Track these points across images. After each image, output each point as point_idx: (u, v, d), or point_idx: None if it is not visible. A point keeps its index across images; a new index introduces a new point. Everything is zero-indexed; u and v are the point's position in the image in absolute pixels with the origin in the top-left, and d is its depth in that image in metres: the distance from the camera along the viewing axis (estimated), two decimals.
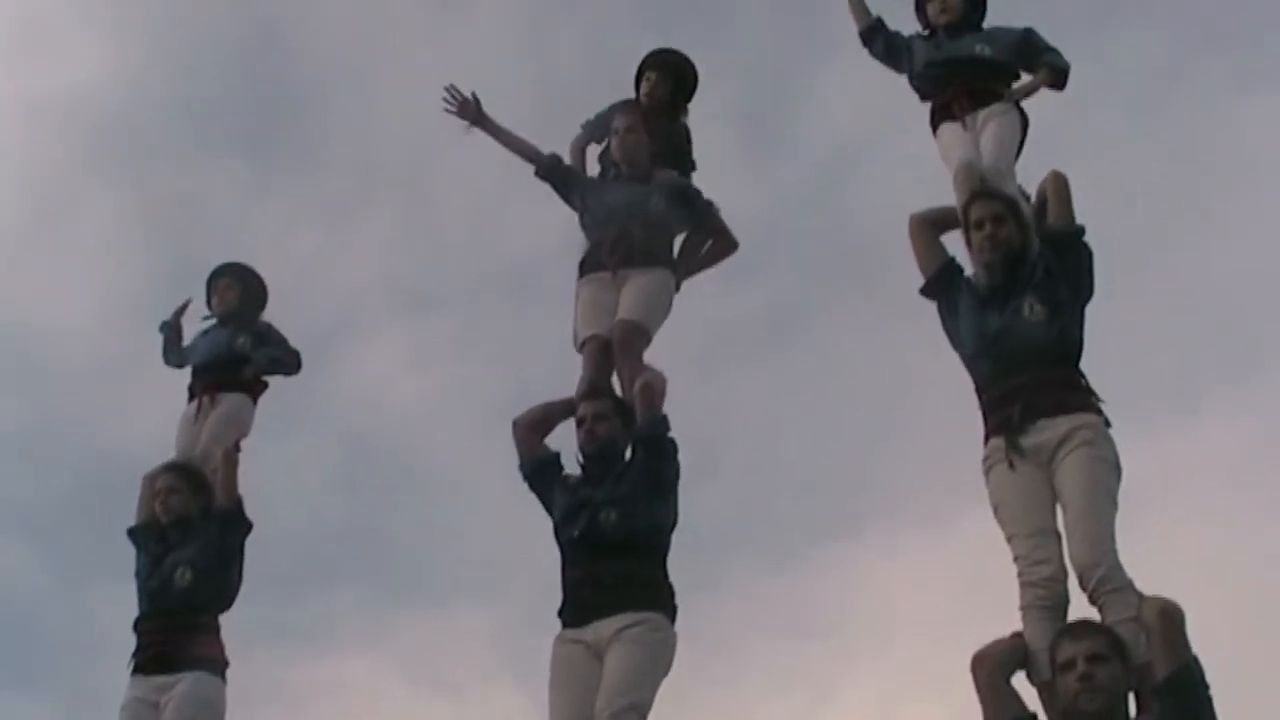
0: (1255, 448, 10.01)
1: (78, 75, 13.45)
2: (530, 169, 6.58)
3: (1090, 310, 5.20)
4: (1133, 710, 4.35)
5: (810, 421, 11.42)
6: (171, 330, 7.43)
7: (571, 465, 5.58)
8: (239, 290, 7.30)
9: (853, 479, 11.30)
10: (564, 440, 5.67)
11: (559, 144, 6.73)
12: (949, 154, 5.93)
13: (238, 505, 6.37)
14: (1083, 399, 5.03)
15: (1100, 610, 4.60)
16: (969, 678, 4.57)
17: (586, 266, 6.29)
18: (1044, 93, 6.06)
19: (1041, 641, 4.56)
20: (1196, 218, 11.17)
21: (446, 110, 6.66)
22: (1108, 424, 5.01)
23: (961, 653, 4.67)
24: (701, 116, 6.89)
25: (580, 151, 6.81)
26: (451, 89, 6.66)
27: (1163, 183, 10.93)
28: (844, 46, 6.76)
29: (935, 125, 6.13)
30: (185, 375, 7.31)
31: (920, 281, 5.44)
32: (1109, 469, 4.89)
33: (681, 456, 5.51)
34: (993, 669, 4.55)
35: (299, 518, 10.85)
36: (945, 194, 5.79)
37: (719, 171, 7.01)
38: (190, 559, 6.22)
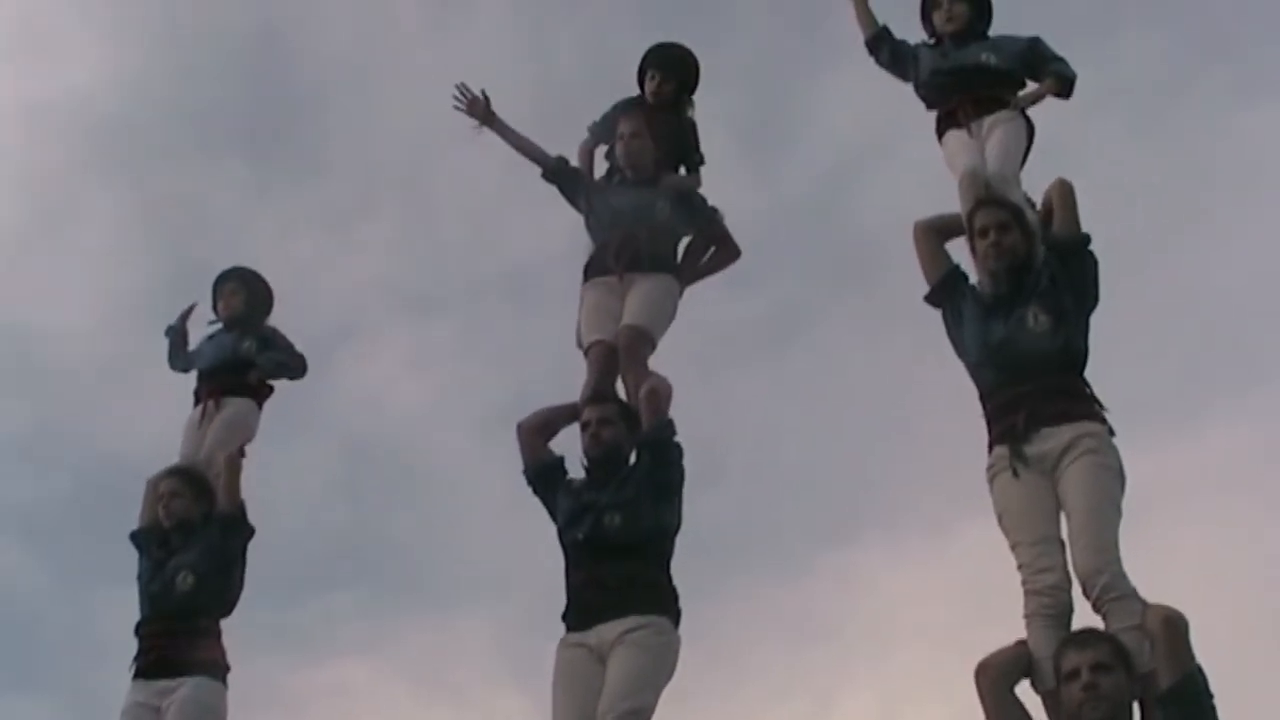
0: (1258, 455, 10.01)
1: (78, 77, 13.46)
2: (535, 171, 6.59)
3: (1094, 318, 5.20)
4: (1137, 719, 4.35)
5: (812, 427, 11.42)
6: (177, 335, 7.43)
7: (576, 469, 5.59)
8: (244, 295, 7.30)
9: (854, 485, 11.31)
10: (568, 445, 5.68)
11: (560, 146, 6.72)
12: (954, 162, 5.94)
13: (240, 510, 6.36)
14: (1087, 407, 5.03)
15: (1104, 618, 4.60)
16: (970, 684, 4.57)
17: (591, 271, 6.30)
18: (1049, 101, 6.07)
19: (1045, 650, 4.56)
20: (1199, 226, 11.19)
21: (456, 108, 6.66)
22: (1112, 432, 5.01)
23: (963, 659, 4.68)
24: (704, 121, 6.89)
25: (588, 154, 6.80)
26: (462, 87, 6.65)
27: (1165, 191, 10.93)
28: (846, 52, 6.79)
29: (941, 133, 6.13)
30: (186, 378, 7.31)
31: (925, 289, 5.45)
32: (1113, 477, 4.89)
33: (684, 461, 5.50)
34: (997, 677, 4.55)
35: (300, 522, 10.84)
36: (947, 200, 5.80)
37: (722, 176, 7.00)
38: (192, 563, 6.21)
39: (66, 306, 12.30)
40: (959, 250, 5.48)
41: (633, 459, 5.51)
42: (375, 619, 11.68)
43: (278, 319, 7.37)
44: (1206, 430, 10.82)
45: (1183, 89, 12.04)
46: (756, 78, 11.77)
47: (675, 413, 5.58)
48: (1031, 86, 6.12)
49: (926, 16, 6.38)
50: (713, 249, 6.50)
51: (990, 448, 5.08)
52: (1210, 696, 4.30)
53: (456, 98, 6.66)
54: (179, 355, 7.39)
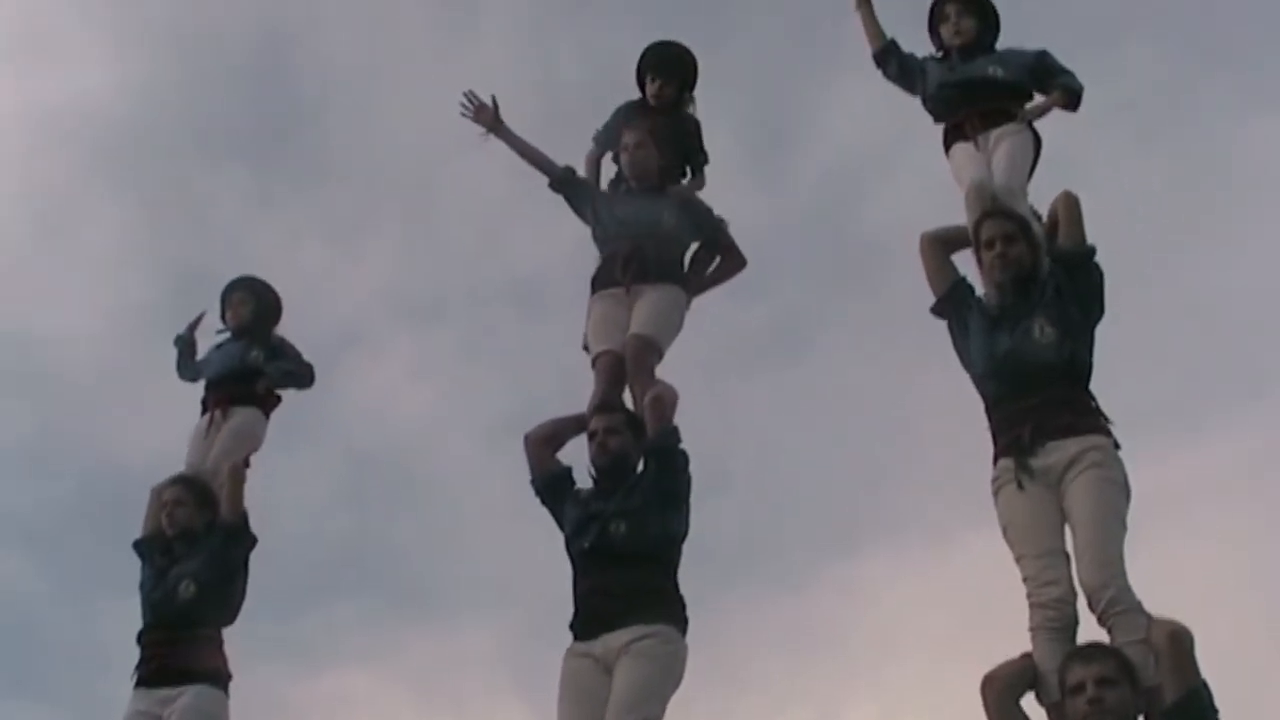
0: (1261, 465, 10.00)
1: (83, 84, 13.42)
2: (540, 178, 6.58)
3: (1099, 329, 5.20)
4: None
5: (816, 436, 11.42)
6: (186, 344, 7.43)
7: (583, 479, 5.59)
8: (253, 304, 7.30)
9: (858, 495, 11.30)
10: (576, 455, 5.68)
11: (564, 152, 6.72)
12: (961, 174, 5.94)
13: (243, 520, 6.36)
14: (1092, 421, 5.03)
15: (1109, 632, 4.60)
16: (974, 696, 4.58)
17: (599, 282, 6.30)
18: (1055, 113, 6.07)
19: (1050, 663, 4.56)
20: (1203, 237, 11.19)
21: (464, 116, 6.66)
22: (1117, 446, 5.01)
23: (965, 671, 4.69)
24: (710, 129, 6.89)
25: (595, 164, 6.80)
26: (470, 95, 6.65)
27: (1170, 202, 10.93)
28: (851, 61, 6.79)
29: (948, 146, 6.14)
30: (190, 385, 7.33)
31: (930, 298, 5.45)
32: (1118, 491, 4.89)
33: (690, 468, 5.50)
34: (1002, 690, 4.56)
35: (303, 531, 10.83)
36: (952, 209, 5.82)
37: (727, 184, 7.01)
38: (194, 572, 6.21)
39: (70, 313, 12.33)
40: (965, 262, 5.49)
41: (640, 467, 5.52)
42: (377, 628, 11.69)
43: (282, 327, 7.39)
44: (1210, 440, 10.83)
45: (1187, 100, 12.05)
46: (762, 86, 11.79)
47: (680, 422, 5.59)
48: (1039, 99, 6.12)
49: (934, 29, 6.38)
50: (718, 259, 6.50)
51: (995, 460, 5.08)
52: (1215, 712, 4.31)
53: (464, 105, 6.66)
54: (187, 364, 7.39)
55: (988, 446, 5.14)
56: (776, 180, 12.14)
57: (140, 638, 6.24)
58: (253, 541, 6.38)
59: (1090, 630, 4.67)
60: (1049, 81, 6.11)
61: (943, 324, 5.41)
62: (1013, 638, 4.74)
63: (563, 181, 6.55)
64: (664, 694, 5.07)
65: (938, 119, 6.26)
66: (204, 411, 7.11)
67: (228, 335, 7.33)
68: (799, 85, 12.15)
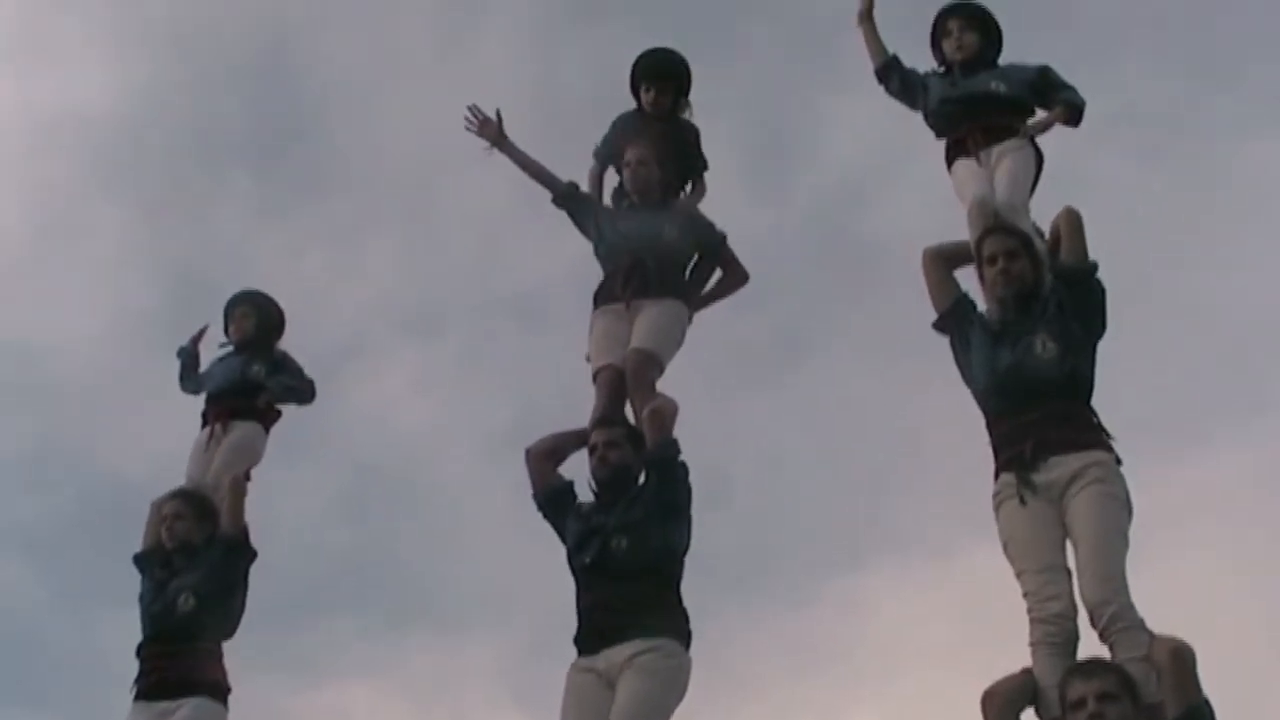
0: (1264, 481, 9.99)
1: (84, 91, 13.46)
2: (543, 193, 6.59)
3: (1100, 344, 5.20)
4: None
5: (817, 450, 11.41)
6: (189, 356, 7.45)
7: (585, 493, 5.59)
8: (256, 318, 7.33)
9: (860, 509, 11.27)
10: (577, 469, 5.68)
11: (566, 165, 6.73)
12: (963, 190, 5.95)
13: (243, 533, 6.36)
14: (1094, 436, 5.03)
15: (1110, 648, 4.59)
16: (975, 710, 4.57)
17: (601, 298, 6.30)
18: (1057, 129, 6.08)
19: (1051, 678, 4.55)
20: (1205, 253, 11.20)
21: (468, 129, 6.67)
22: (1119, 461, 5.01)
23: (968, 685, 4.68)
24: (711, 142, 6.90)
25: (598, 180, 6.81)
26: (474, 108, 6.66)
27: (1172, 218, 10.94)
28: (853, 75, 6.80)
29: (950, 161, 6.15)
30: (189, 395, 7.33)
31: (932, 313, 5.45)
32: (1120, 506, 4.89)
33: (690, 480, 5.49)
34: (1002, 705, 4.55)
35: (303, 543, 10.82)
36: (953, 222, 5.83)
37: (729, 198, 7.02)
38: (193, 585, 6.20)
39: (70, 322, 12.33)
40: (967, 278, 5.49)
41: (641, 480, 5.52)
42: (378, 641, 11.66)
43: (283, 338, 7.39)
44: (1212, 455, 10.83)
45: (1189, 116, 12.07)
46: (764, 100, 11.81)
47: (681, 435, 5.59)
48: (1041, 115, 6.14)
49: (936, 45, 6.40)
50: (719, 274, 6.51)
51: (997, 474, 5.07)
52: None
53: (468, 119, 6.67)
54: (190, 377, 7.41)
55: (990, 461, 5.13)
56: (779, 194, 12.16)
57: (139, 650, 6.24)
58: (253, 555, 6.38)
59: (1091, 645, 4.67)
60: (1051, 97, 6.12)
61: (944, 339, 5.41)
62: (1016, 652, 4.74)
63: (566, 197, 6.56)
64: (667, 708, 5.07)
65: (940, 134, 6.27)
66: (204, 425, 7.13)
67: (230, 349, 7.35)
68: (802, 100, 12.18)
